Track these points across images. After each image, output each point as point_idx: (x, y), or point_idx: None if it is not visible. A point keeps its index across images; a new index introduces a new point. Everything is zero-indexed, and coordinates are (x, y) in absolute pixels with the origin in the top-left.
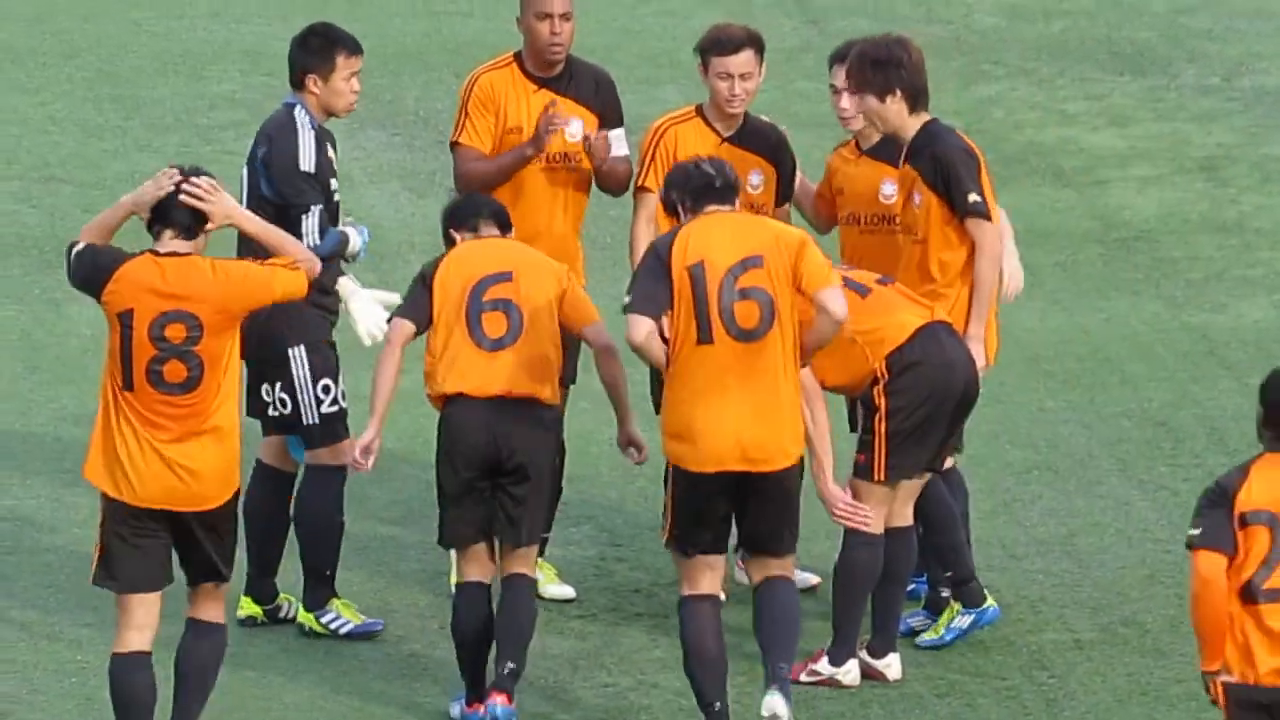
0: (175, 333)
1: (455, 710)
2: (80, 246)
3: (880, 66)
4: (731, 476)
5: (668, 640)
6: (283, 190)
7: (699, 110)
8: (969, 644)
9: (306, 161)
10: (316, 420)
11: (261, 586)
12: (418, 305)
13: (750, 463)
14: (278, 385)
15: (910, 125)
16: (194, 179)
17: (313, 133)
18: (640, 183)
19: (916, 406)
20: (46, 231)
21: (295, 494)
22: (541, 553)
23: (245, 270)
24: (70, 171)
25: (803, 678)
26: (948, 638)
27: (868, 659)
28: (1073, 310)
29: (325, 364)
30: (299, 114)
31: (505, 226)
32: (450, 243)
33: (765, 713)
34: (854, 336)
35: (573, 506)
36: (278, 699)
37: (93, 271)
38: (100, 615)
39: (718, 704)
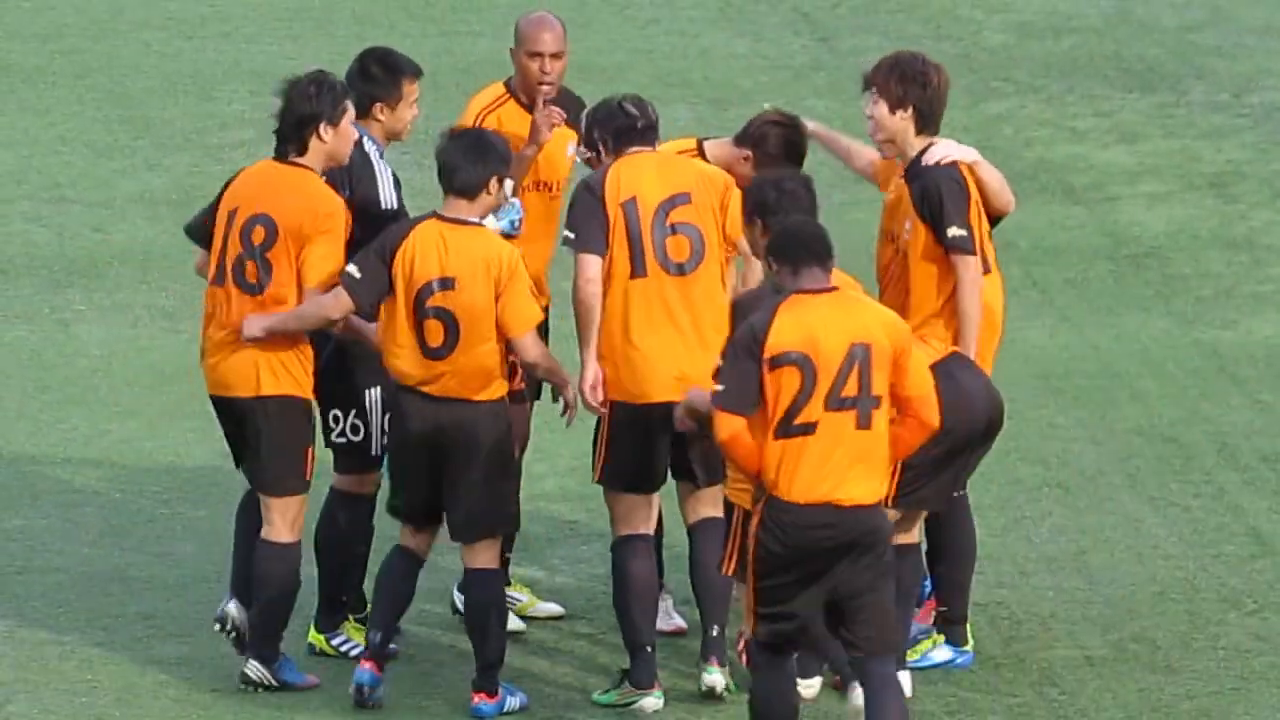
0: (258, 235)
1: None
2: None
3: (904, 80)
4: (670, 407)
5: (676, 659)
6: (361, 230)
7: (699, 147)
8: (980, 661)
9: (388, 200)
10: (379, 451)
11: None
12: (372, 285)
13: (680, 394)
14: (351, 413)
15: (914, 145)
16: None
17: (387, 166)
18: None
19: (933, 444)
20: (56, 251)
21: (321, 518)
22: (506, 580)
23: (330, 207)
24: (80, 191)
25: None
26: (921, 663)
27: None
28: (1083, 327)
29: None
30: (369, 147)
31: (468, 193)
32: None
33: (704, 688)
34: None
35: (582, 525)
36: (289, 717)
37: (218, 194)
38: (111, 635)
39: (650, 646)
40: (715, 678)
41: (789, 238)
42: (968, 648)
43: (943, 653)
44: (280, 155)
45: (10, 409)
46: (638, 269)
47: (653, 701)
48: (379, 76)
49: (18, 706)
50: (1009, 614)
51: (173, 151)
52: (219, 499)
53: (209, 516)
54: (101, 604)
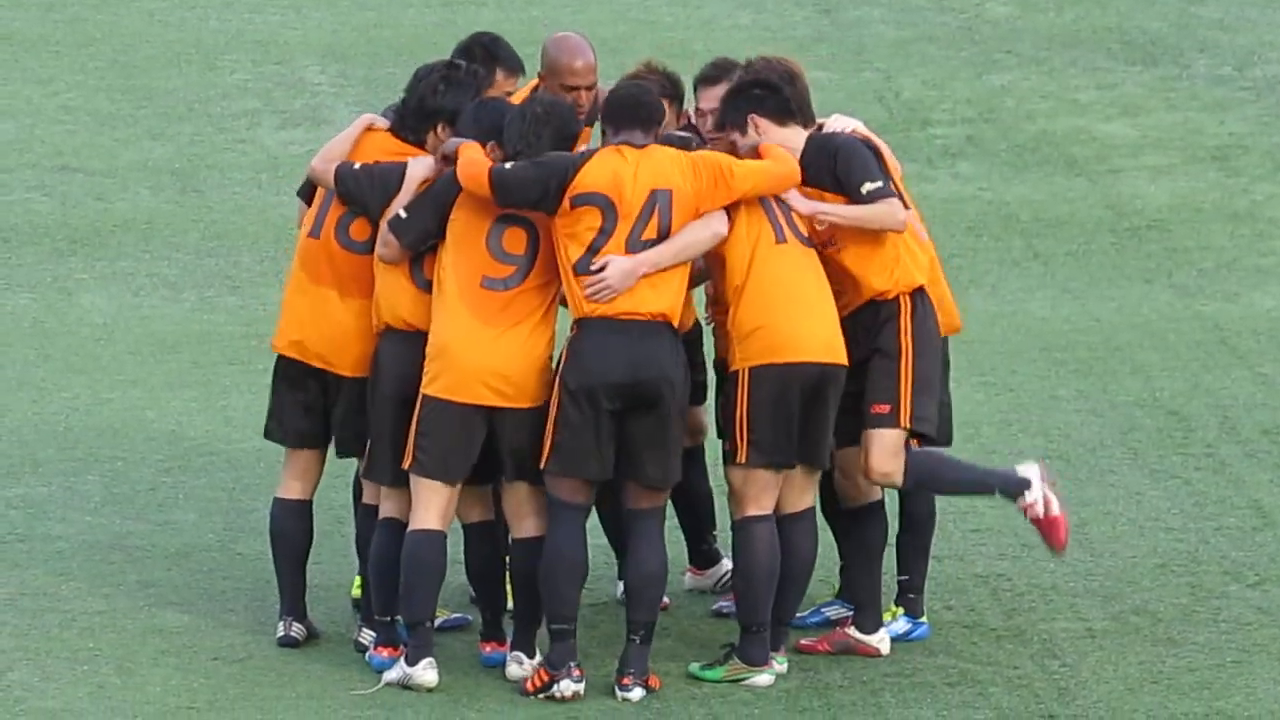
0: None
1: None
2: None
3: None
4: (814, 370)
5: (677, 628)
6: None
7: None
8: (981, 633)
9: None
10: None
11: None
12: None
13: (830, 356)
14: None
15: (802, 136)
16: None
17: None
18: None
19: (929, 352)
20: (59, 220)
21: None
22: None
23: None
24: (83, 160)
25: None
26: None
27: (859, 636)
28: (1085, 299)
29: None
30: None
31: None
32: None
33: (770, 679)
34: (899, 246)
35: None
36: (290, 688)
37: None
38: (112, 603)
39: (765, 625)
40: (783, 667)
41: (615, 102)
42: (924, 619)
43: (900, 625)
44: (398, 132)
45: (12, 377)
46: (779, 236)
47: (767, 679)
48: (478, 57)
49: (19, 674)
50: (1010, 586)
51: (175, 121)
52: (220, 468)
53: (210, 485)
54: (103, 572)
